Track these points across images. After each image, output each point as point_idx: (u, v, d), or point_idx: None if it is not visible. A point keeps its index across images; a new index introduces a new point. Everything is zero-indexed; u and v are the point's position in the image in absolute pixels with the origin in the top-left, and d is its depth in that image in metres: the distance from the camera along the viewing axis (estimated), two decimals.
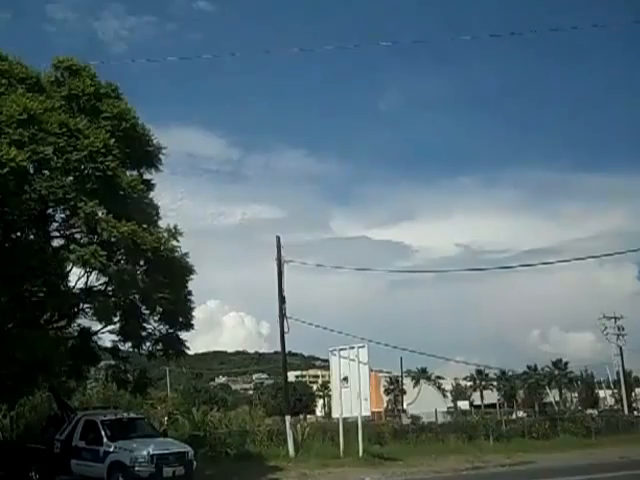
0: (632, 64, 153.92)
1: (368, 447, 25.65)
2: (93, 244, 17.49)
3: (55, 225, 19.06)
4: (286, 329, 27.60)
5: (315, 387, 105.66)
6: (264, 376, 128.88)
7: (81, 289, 19.36)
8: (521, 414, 59.00)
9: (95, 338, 20.89)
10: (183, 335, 20.99)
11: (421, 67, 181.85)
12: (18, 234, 18.68)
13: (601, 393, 79.16)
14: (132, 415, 21.45)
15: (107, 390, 29.65)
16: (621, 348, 55.21)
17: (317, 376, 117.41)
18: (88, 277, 19.14)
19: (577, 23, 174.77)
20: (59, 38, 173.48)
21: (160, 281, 18.69)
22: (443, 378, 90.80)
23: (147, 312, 20.37)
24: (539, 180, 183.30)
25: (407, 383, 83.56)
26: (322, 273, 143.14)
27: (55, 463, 19.10)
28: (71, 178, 17.53)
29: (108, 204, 18.18)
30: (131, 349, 21.23)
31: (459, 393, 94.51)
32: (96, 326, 20.38)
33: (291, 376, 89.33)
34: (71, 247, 17.75)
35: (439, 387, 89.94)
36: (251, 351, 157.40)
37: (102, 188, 17.62)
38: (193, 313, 20.84)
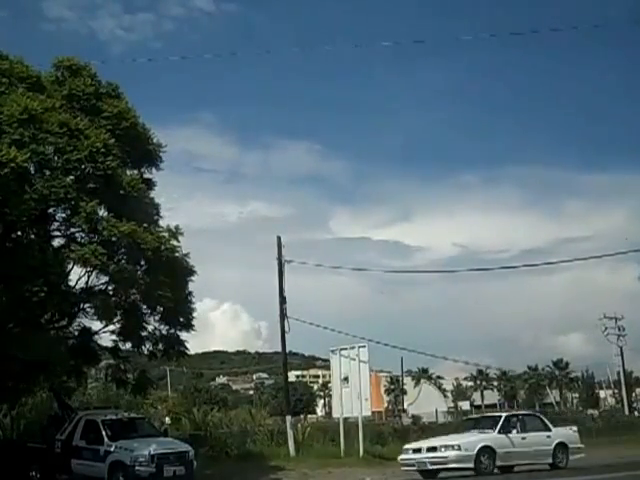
0: (635, 63, 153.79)
1: (369, 447, 25.63)
2: (93, 243, 17.53)
3: (56, 225, 19.09)
4: (287, 329, 27.62)
5: (316, 387, 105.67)
6: (265, 376, 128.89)
7: (82, 288, 19.38)
8: None
9: (95, 338, 20.91)
10: (183, 335, 21.03)
11: (422, 65, 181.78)
12: (19, 234, 18.70)
13: (602, 393, 79.15)
14: (133, 415, 21.48)
15: (107, 390, 29.67)
16: (621, 348, 55.17)
17: (318, 376, 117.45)
18: (89, 276, 19.18)
19: (579, 21, 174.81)
20: (57, 37, 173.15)
21: (161, 281, 18.69)
22: (444, 378, 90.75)
23: (148, 312, 20.38)
24: (540, 178, 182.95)
25: (408, 383, 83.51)
26: (322, 273, 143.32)
27: (55, 463, 19.12)
28: (72, 178, 17.58)
29: (108, 203, 18.25)
30: (131, 349, 21.25)
31: (460, 393, 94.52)
32: (96, 326, 20.43)
33: (292, 376, 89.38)
34: (72, 246, 17.78)
35: (440, 387, 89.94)
36: (251, 351, 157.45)
37: (102, 187, 17.66)
38: (194, 313, 20.89)
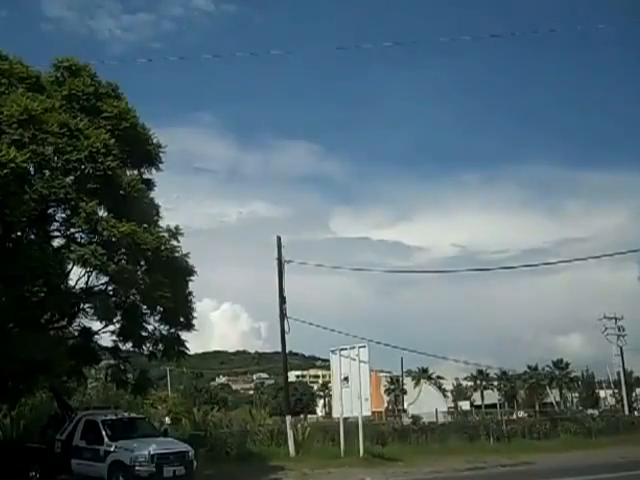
0: (635, 62, 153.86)
1: (369, 447, 25.61)
2: (93, 244, 17.51)
3: (55, 225, 19.08)
4: (287, 329, 27.62)
5: (316, 387, 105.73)
6: (265, 376, 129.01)
7: (81, 289, 19.37)
8: (522, 414, 58.98)
9: (95, 338, 20.90)
10: (184, 335, 21.02)
11: (421, 65, 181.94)
12: (19, 234, 18.67)
13: (601, 393, 79.13)
14: (132, 415, 21.47)
15: (107, 390, 29.67)
16: (621, 348, 55.10)
17: (318, 376, 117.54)
18: (88, 277, 19.18)
19: (580, 21, 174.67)
20: (57, 37, 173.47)
21: (161, 281, 18.68)
22: (444, 378, 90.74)
23: (148, 312, 20.38)
24: (540, 178, 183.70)
25: (408, 383, 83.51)
26: (322, 273, 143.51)
27: (56, 463, 19.11)
28: (71, 178, 17.56)
29: (108, 204, 18.23)
30: (132, 349, 21.24)
31: (460, 393, 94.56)
32: (96, 326, 20.41)
33: (292, 376, 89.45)
34: (71, 247, 17.76)
35: (440, 387, 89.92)
36: (251, 351, 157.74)
37: (102, 188, 17.64)
38: (194, 313, 20.88)
